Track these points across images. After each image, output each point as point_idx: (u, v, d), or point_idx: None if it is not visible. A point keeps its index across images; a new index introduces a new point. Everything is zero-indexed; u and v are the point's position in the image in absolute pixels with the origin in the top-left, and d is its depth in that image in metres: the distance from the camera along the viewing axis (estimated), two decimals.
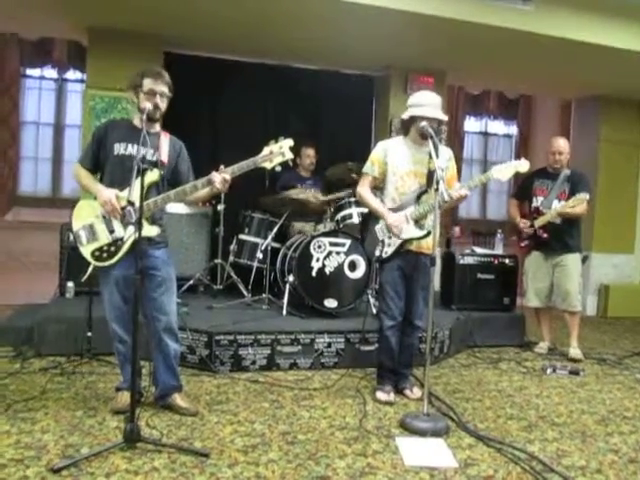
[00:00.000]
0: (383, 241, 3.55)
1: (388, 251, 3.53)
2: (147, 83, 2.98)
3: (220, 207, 5.33)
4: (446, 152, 3.60)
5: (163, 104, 3.04)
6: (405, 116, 3.51)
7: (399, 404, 3.49)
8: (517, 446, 2.90)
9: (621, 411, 3.57)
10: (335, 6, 4.70)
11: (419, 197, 3.49)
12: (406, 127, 3.56)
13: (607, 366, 4.63)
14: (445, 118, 3.47)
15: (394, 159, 3.54)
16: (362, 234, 3.83)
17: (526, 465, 2.69)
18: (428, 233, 3.45)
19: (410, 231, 3.47)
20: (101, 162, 3.08)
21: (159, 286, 3.06)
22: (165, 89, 3.03)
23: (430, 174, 3.41)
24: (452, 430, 3.09)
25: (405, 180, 3.51)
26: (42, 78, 6.96)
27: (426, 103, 3.43)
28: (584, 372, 4.35)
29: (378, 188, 3.69)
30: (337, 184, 5.31)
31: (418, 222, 3.49)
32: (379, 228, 3.58)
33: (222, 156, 6.03)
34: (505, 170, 3.43)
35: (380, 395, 3.55)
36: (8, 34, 6.46)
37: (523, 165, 3.45)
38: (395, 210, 3.51)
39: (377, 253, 3.56)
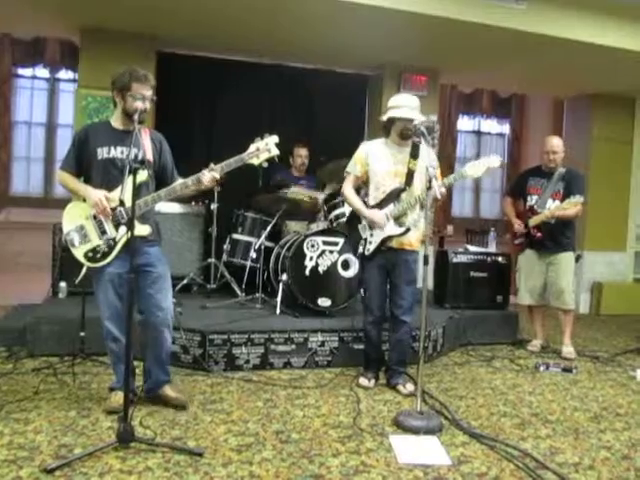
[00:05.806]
0: (365, 239, 3.72)
1: (370, 248, 3.68)
2: (136, 87, 2.97)
3: (213, 206, 5.32)
4: (431, 153, 3.69)
5: (149, 106, 3.05)
6: (384, 118, 3.67)
7: (392, 402, 3.50)
8: (510, 443, 2.92)
9: (614, 408, 3.59)
10: (330, 5, 4.70)
11: (398, 195, 3.63)
12: (386, 128, 3.72)
13: (600, 363, 4.65)
14: (422, 119, 3.62)
15: (375, 159, 3.71)
16: (349, 232, 3.93)
17: (519, 462, 2.70)
18: (407, 230, 3.61)
19: (390, 229, 3.61)
20: (84, 167, 3.07)
21: (155, 282, 3.07)
22: (151, 92, 3.04)
23: (410, 173, 3.60)
24: (446, 428, 3.10)
25: (386, 179, 3.66)
26: (34, 78, 6.95)
27: (403, 105, 3.60)
28: (577, 369, 4.37)
29: (362, 186, 3.84)
30: (331, 182, 5.30)
31: (398, 220, 3.63)
32: (362, 226, 3.74)
33: (216, 154, 6.01)
34: (478, 166, 3.56)
35: (362, 380, 3.79)
36: (0, 34, 6.43)
37: (494, 161, 3.56)
38: (375, 208, 3.65)
39: (360, 250, 3.74)
